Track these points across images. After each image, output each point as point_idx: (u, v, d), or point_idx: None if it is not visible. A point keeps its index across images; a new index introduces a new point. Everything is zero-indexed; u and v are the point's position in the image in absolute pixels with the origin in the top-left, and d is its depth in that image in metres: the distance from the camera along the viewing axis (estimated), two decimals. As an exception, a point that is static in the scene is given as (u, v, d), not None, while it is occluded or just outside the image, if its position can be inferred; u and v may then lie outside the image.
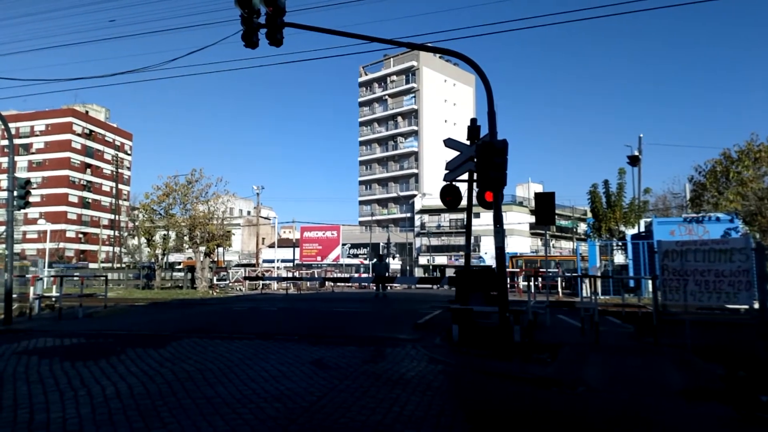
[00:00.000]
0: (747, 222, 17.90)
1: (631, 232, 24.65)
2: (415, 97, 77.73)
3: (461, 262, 45.57)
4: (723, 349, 7.94)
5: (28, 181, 13.99)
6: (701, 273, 8.31)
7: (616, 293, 19.16)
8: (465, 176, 10.44)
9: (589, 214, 27.75)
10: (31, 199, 14.06)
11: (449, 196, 10.61)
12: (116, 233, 66.87)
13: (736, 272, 8.01)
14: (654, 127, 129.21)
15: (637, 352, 8.42)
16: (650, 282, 11.64)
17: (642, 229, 24.69)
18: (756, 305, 7.90)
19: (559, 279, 25.65)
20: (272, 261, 47.57)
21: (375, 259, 30.35)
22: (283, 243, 61.33)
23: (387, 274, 25.87)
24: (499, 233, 8.86)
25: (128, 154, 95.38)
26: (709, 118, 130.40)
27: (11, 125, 14.12)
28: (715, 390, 5.91)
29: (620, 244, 22.64)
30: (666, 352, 8.17)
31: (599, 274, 20.02)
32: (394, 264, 58.90)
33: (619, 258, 22.32)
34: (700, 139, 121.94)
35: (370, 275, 32.39)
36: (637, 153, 27.57)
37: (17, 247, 68.07)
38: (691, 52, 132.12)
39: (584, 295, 16.00)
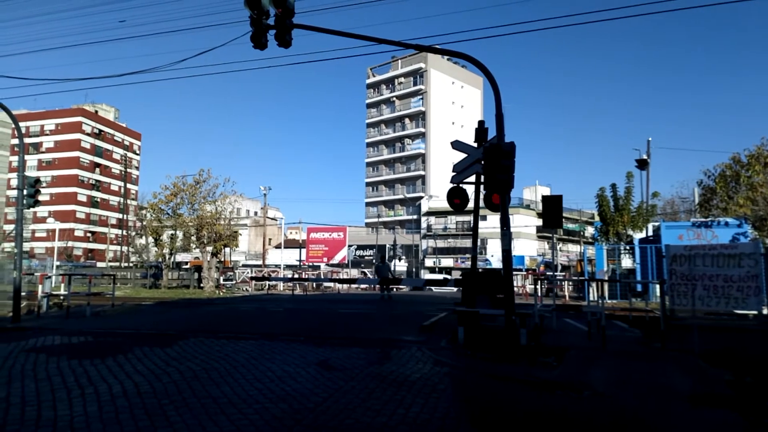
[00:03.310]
0: (756, 227, 17.77)
1: (638, 236, 24.53)
2: (422, 99, 77.74)
3: (468, 264, 45.49)
4: (731, 354, 7.89)
5: (37, 180, 14.09)
6: (710, 278, 8.26)
7: (624, 297, 19.03)
8: (472, 178, 10.43)
9: (597, 218, 27.63)
10: (40, 198, 14.17)
11: (456, 198, 10.61)
12: (124, 232, 67.24)
13: (745, 277, 7.95)
14: (663, 130, 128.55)
15: (644, 357, 8.36)
16: (658, 286, 11.56)
17: (650, 233, 24.56)
18: (765, 311, 7.86)
19: (566, 282, 25.57)
20: (278, 262, 47.65)
21: (378, 261, 30.33)
22: (290, 244, 61.43)
23: (390, 275, 25.81)
24: (506, 236, 8.84)
25: (137, 154, 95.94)
26: (719, 122, 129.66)
27: (21, 124, 14.23)
28: (722, 396, 5.87)
29: (628, 248, 22.53)
30: (673, 357, 8.12)
31: (606, 278, 19.92)
32: (401, 266, 58.82)
33: (626, 262, 22.20)
34: (710, 143, 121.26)
35: (374, 277, 32.33)
36: (645, 156, 27.44)
37: (26, 246, 68.64)
38: (701, 55, 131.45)
39: (591, 298, 15.92)
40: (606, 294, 17.03)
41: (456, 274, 46.02)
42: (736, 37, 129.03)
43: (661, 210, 40.06)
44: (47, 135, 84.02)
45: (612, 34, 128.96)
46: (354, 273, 42.39)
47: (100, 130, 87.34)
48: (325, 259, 47.28)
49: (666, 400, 5.73)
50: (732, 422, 4.99)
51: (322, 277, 34.65)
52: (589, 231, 55.35)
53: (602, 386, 6.33)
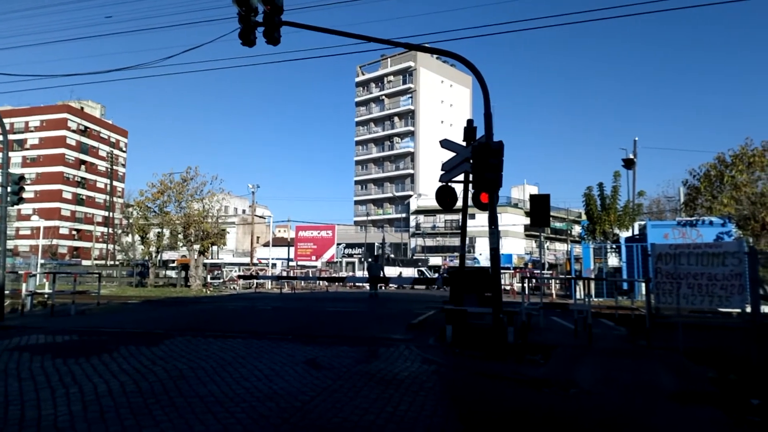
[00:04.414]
0: (740, 226, 18.00)
1: (625, 234, 24.76)
2: (411, 97, 77.78)
3: (456, 263, 45.52)
4: (715, 352, 7.98)
5: (22, 177, 13.91)
6: (694, 276, 8.35)
7: (610, 296, 19.23)
8: (461, 177, 10.45)
9: (584, 217, 27.87)
10: (24, 196, 13.98)
11: (445, 196, 10.62)
12: (110, 230, 66.56)
13: (729, 276, 8.05)
14: (649, 129, 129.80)
15: (629, 355, 8.44)
16: (643, 285, 11.67)
17: (636, 231, 24.80)
18: (748, 309, 7.95)
19: (553, 281, 25.75)
20: (266, 260, 47.43)
21: (370, 260, 30.33)
22: (278, 242, 61.22)
23: (382, 275, 25.86)
24: (494, 234, 8.88)
25: (123, 151, 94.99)
26: (704, 122, 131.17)
27: (5, 120, 14.03)
28: (706, 393, 5.94)
29: (614, 246, 22.73)
30: (658, 355, 8.20)
31: (593, 277, 20.08)
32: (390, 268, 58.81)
33: (612, 260, 22.41)
34: (695, 143, 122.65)
35: (366, 274, 32.29)
36: (632, 156, 27.69)
37: (10, 244, 67.62)
38: (687, 56, 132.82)
39: (578, 297, 16.05)
40: (592, 292, 17.19)
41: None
42: (723, 38, 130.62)
43: (647, 209, 40.44)
44: (32, 132, 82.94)
45: (600, 35, 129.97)
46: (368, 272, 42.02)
47: (86, 127, 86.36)
48: (313, 257, 47.12)
49: (651, 397, 5.79)
50: (716, 419, 5.05)
51: (311, 275, 34.55)
52: (577, 230, 55.75)
53: (588, 384, 6.38)
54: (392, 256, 62.98)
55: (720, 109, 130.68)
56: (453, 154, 10.38)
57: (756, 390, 5.89)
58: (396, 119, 79.80)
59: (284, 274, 34.90)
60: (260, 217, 68.66)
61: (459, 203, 10.78)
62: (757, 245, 16.30)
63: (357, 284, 32.91)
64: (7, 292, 13.65)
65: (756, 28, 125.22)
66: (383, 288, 30.03)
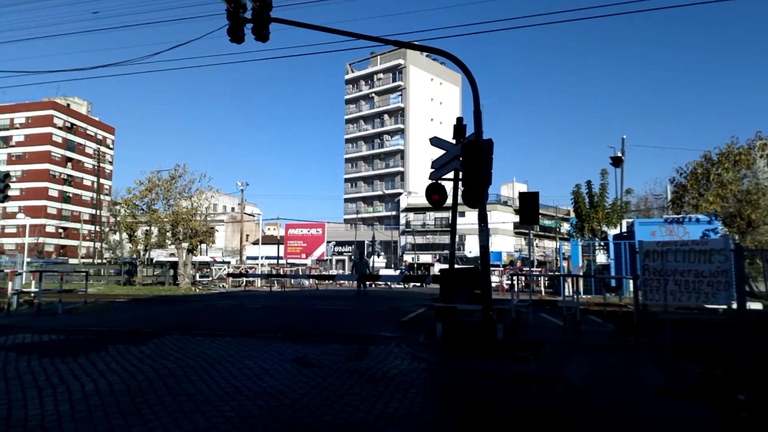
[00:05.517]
0: (726, 223, 18.20)
1: (613, 232, 24.97)
2: (401, 95, 77.80)
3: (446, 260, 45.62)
4: (701, 348, 8.07)
5: (7, 175, 13.76)
6: (681, 273, 8.43)
7: (598, 292, 19.38)
8: (451, 175, 10.47)
9: (573, 214, 28.05)
10: (9, 193, 13.81)
11: (435, 194, 10.63)
12: (97, 228, 65.93)
13: (715, 273, 8.14)
14: (637, 128, 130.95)
15: (617, 351, 8.51)
16: (631, 282, 11.78)
17: (624, 229, 25.02)
18: (734, 305, 8.04)
19: (542, 278, 25.90)
20: (256, 258, 47.23)
21: (357, 257, 30.32)
22: (268, 240, 60.99)
23: (368, 272, 25.88)
24: (484, 232, 8.90)
25: (110, 149, 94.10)
26: (691, 121, 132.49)
27: (-10, 117, 13.82)
28: (693, 389, 6.00)
29: (602, 244, 22.92)
30: (646, 351, 8.28)
31: (581, 274, 20.22)
32: (379, 262, 58.89)
33: (601, 258, 22.60)
34: (683, 142, 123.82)
35: (353, 273, 32.24)
36: (620, 154, 27.86)
37: (-5, 242, 66.92)
38: (674, 55, 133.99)
39: (566, 294, 16.15)
40: (581, 289, 17.31)
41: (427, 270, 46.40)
42: (710, 37, 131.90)
43: (635, 206, 40.84)
44: (17, 128, 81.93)
45: (589, 33, 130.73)
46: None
47: (72, 124, 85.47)
48: (303, 255, 46.98)
49: (638, 393, 5.84)
50: (703, 414, 5.10)
51: (301, 273, 34.45)
52: (565, 227, 56.12)
53: (577, 380, 6.42)
54: (382, 253, 62.99)
55: (707, 107, 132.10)
56: (443, 151, 10.38)
57: (742, 385, 5.97)
58: (386, 117, 79.81)
59: (273, 271, 34.78)
60: (249, 215, 68.37)
61: (449, 201, 10.81)
62: (743, 242, 16.49)
63: (349, 282, 32.87)
64: (-8, 291, 13.46)
65: (743, 29, 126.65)
66: (372, 286, 30.02)
